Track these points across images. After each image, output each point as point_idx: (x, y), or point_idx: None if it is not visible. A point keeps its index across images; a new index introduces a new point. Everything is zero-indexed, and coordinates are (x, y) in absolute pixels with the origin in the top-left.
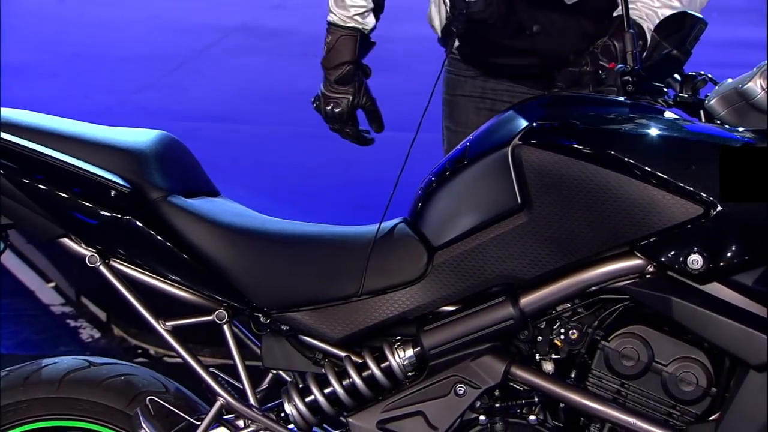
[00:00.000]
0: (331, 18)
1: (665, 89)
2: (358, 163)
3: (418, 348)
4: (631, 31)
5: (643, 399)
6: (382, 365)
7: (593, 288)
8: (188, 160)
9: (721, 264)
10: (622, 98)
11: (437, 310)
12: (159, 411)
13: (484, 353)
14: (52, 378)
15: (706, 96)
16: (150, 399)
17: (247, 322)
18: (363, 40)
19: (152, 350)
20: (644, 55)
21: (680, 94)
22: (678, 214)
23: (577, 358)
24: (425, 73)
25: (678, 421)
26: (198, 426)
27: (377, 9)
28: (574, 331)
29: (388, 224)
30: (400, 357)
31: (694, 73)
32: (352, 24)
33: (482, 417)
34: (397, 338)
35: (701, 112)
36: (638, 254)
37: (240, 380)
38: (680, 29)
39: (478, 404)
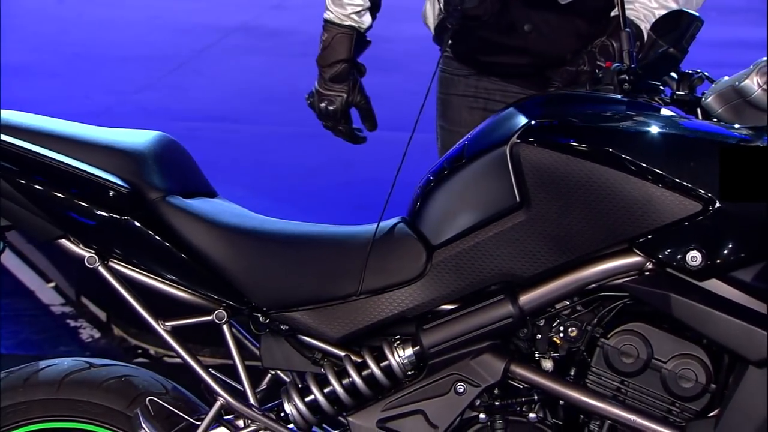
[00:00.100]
0: (328, 16)
1: (662, 87)
2: (357, 163)
3: (418, 347)
4: (628, 29)
5: (643, 396)
6: (382, 364)
7: (592, 285)
8: (186, 160)
9: (720, 260)
10: (620, 96)
11: (436, 308)
12: (159, 412)
13: (484, 351)
14: (51, 379)
15: (703, 94)
16: (150, 400)
17: (246, 322)
18: (359, 39)
19: (152, 350)
20: (641, 54)
21: (677, 92)
22: (676, 211)
23: (576, 355)
24: (424, 73)
25: (677, 418)
26: (198, 426)
27: (374, 8)
28: (574, 328)
29: (386, 223)
30: (400, 356)
31: (690, 71)
32: (348, 22)
33: (482, 415)
34: (397, 337)
35: (698, 109)
36: (637, 251)
37: (239, 380)
38: (676, 27)
39: (477, 402)
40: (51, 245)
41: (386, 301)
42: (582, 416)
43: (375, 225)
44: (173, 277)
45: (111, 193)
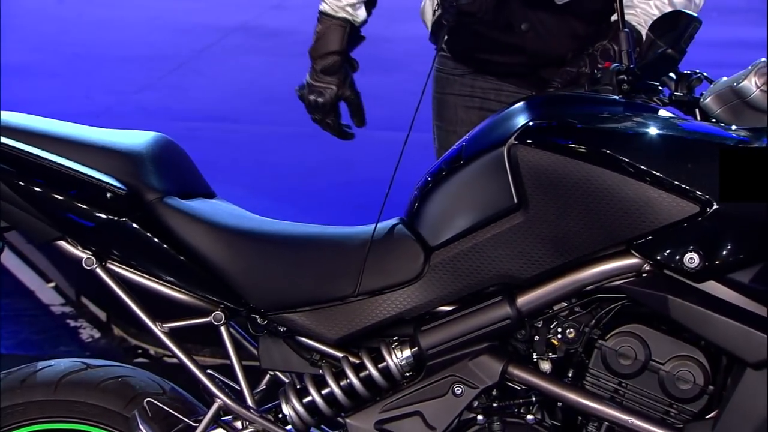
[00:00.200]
0: (323, 7)
1: (660, 88)
2: (357, 162)
3: (416, 348)
4: (626, 30)
5: (641, 398)
6: (380, 366)
7: (590, 287)
8: (184, 161)
9: (718, 262)
10: (618, 97)
11: (434, 310)
12: (156, 413)
13: (482, 353)
14: (49, 380)
15: (701, 94)
16: (147, 401)
17: (244, 324)
18: (353, 32)
19: (152, 350)
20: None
21: (675, 93)
22: (674, 212)
23: (574, 357)
24: (424, 73)
25: (675, 420)
26: (196, 428)
27: (370, 3)
28: (571, 330)
29: (384, 224)
30: (398, 357)
31: (689, 72)
32: (342, 14)
33: (480, 417)
34: (395, 338)
35: (696, 110)
36: (635, 253)
37: (237, 381)
38: (675, 28)
39: (475, 404)
40: (49, 246)
41: (384, 303)
42: (580, 418)
43: (373, 226)
44: (171, 279)
45: (108, 195)
